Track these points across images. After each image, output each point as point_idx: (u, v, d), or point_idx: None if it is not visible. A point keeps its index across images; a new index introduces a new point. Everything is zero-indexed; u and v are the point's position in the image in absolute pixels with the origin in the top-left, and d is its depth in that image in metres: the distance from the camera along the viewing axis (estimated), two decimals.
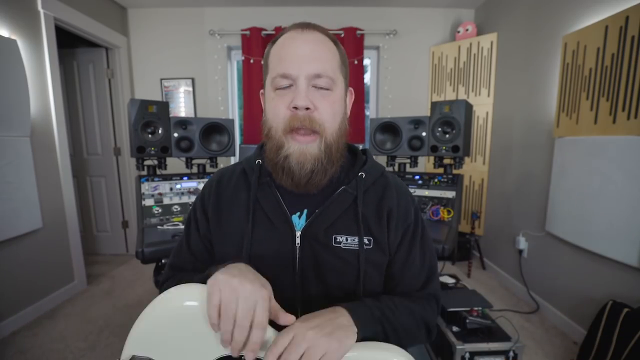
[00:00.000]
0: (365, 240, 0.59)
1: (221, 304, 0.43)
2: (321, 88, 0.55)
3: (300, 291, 0.59)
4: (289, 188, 0.59)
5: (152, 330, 0.47)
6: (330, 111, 0.56)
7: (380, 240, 0.60)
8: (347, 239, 0.59)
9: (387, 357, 0.47)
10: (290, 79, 0.54)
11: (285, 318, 0.47)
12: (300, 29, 0.56)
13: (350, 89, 0.64)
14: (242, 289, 0.44)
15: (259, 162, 0.64)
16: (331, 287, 0.59)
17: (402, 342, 0.54)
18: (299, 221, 0.60)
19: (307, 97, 0.53)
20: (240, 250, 0.59)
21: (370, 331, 0.51)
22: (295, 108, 0.53)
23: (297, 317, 0.56)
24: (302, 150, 0.54)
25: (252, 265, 0.55)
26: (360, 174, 0.62)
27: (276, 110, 0.55)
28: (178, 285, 0.49)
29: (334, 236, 0.59)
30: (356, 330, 0.48)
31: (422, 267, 0.65)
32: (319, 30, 0.57)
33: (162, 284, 0.64)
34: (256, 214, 0.61)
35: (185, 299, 0.47)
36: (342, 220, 0.60)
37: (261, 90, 0.64)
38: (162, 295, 0.48)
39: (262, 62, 0.62)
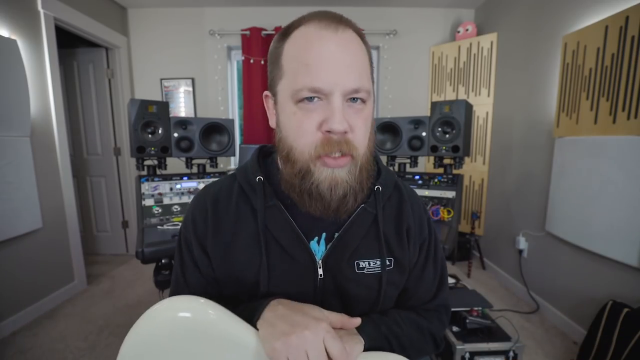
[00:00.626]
0: (387, 261, 0.54)
1: None
2: (355, 100, 0.45)
3: None
4: (318, 214, 0.49)
5: (144, 344, 0.45)
6: (365, 129, 0.47)
7: (401, 260, 0.56)
8: (369, 264, 0.53)
9: None
10: (322, 94, 0.43)
11: (353, 321, 0.47)
12: (331, 24, 0.44)
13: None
14: (304, 341, 0.40)
15: (260, 179, 0.53)
16: (352, 313, 0.53)
17: (409, 356, 0.51)
18: (318, 248, 0.53)
19: (344, 119, 0.43)
20: (256, 284, 0.51)
21: (376, 347, 0.50)
22: (329, 131, 0.44)
23: None
24: (334, 175, 0.46)
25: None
26: (377, 187, 0.55)
27: (302, 130, 0.45)
28: (170, 297, 0.47)
29: (356, 262, 0.53)
30: (363, 341, 0.47)
31: (434, 280, 0.62)
32: (352, 27, 0.46)
33: None
34: (267, 242, 0.51)
35: (178, 310, 0.45)
36: (364, 243, 0.53)
37: (266, 92, 0.53)
38: (153, 306, 0.45)
39: (270, 58, 0.49)
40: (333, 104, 0.43)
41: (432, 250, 0.61)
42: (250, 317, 0.46)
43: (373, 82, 0.50)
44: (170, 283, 0.60)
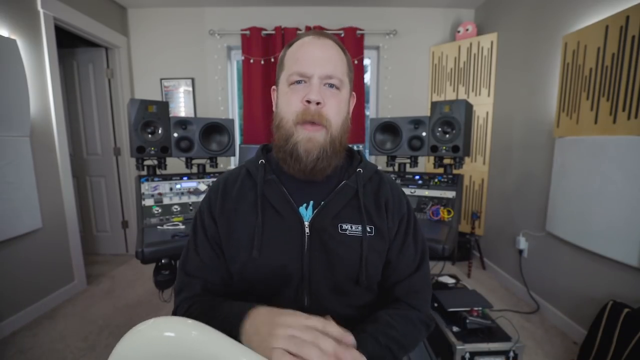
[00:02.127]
0: (368, 229, 0.64)
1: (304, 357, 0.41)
2: (331, 87, 0.61)
3: (307, 280, 0.61)
4: (296, 175, 0.63)
5: None
6: (337, 108, 0.62)
7: (381, 228, 0.66)
8: (351, 227, 0.64)
9: None
10: (306, 77, 0.60)
11: (348, 338, 0.47)
12: (317, 36, 0.64)
13: (353, 93, 0.71)
14: (304, 331, 0.43)
15: (262, 161, 0.68)
16: (337, 275, 0.63)
17: (408, 350, 0.61)
18: (306, 212, 0.64)
19: (319, 93, 0.59)
20: (251, 245, 0.61)
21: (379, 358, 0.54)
22: (308, 102, 0.59)
23: (304, 306, 0.62)
24: (310, 137, 0.59)
25: (262, 257, 0.61)
26: (358, 169, 0.69)
27: (289, 102, 0.61)
28: (155, 318, 0.47)
29: (339, 224, 0.64)
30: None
31: (415, 253, 0.70)
32: (332, 39, 0.65)
33: (179, 292, 0.65)
34: (264, 208, 0.64)
35: (163, 330, 0.44)
36: (345, 211, 0.65)
37: (273, 87, 0.71)
38: (138, 325, 0.45)
39: (278, 62, 0.69)
40: (312, 83, 0.60)
41: (412, 228, 0.71)
42: (230, 327, 0.49)
43: (351, 84, 0.68)
44: (181, 256, 0.70)
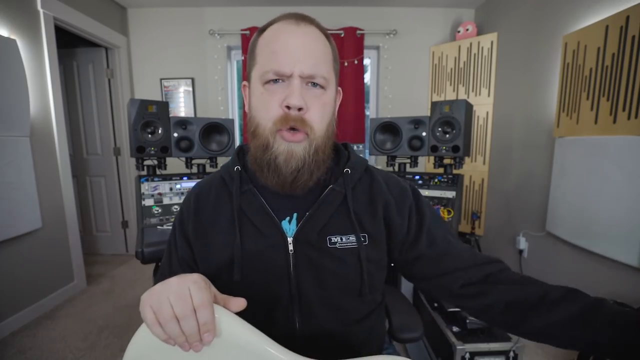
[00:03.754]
0: (361, 238, 0.57)
1: (155, 314, 0.39)
2: (315, 85, 0.52)
3: (297, 301, 0.56)
4: (275, 188, 0.56)
5: (149, 348, 0.44)
6: (321, 112, 0.53)
7: (375, 236, 0.58)
8: (341, 239, 0.56)
9: None
10: (284, 76, 0.51)
11: (236, 303, 0.44)
12: (295, 21, 0.52)
13: (339, 89, 0.61)
14: (168, 287, 0.41)
15: (237, 168, 0.60)
16: (332, 292, 0.57)
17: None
18: (289, 227, 0.57)
19: (301, 97, 0.50)
20: (231, 265, 0.55)
21: None
22: (288, 107, 0.50)
23: (296, 330, 0.56)
24: (290, 149, 0.52)
25: (244, 280, 0.54)
26: (346, 170, 0.60)
27: (266, 106, 0.52)
28: None
29: (327, 237, 0.56)
30: None
31: (446, 232, 0.62)
32: (314, 25, 0.54)
33: None
34: (242, 224, 0.57)
35: None
36: (334, 221, 0.57)
37: (244, 82, 0.60)
38: None
39: (248, 52, 0.57)
40: (292, 84, 0.50)
41: (427, 214, 0.62)
42: None
43: (337, 77, 0.58)
44: (157, 272, 0.66)
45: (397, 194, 0.61)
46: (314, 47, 0.52)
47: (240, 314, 0.48)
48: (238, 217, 0.56)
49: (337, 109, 0.60)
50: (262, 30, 0.55)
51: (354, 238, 0.56)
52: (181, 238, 0.62)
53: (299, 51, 0.50)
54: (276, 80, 0.51)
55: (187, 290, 0.40)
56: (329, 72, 0.54)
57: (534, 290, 0.53)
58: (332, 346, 0.56)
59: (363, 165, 0.63)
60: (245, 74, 0.58)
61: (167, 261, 0.65)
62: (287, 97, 0.50)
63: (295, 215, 0.57)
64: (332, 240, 0.56)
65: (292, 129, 0.51)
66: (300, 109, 0.50)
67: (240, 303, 0.45)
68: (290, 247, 0.55)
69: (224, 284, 0.55)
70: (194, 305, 0.40)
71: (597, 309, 0.47)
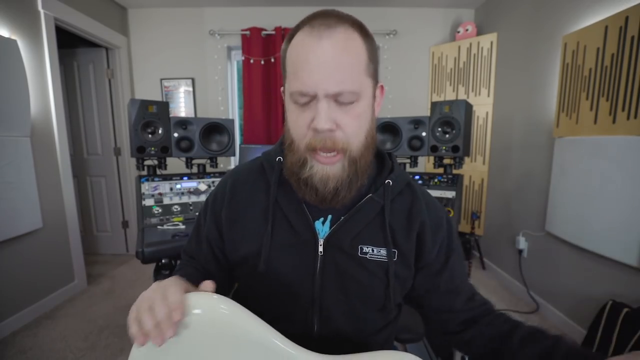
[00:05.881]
0: (391, 252, 0.56)
1: (137, 312, 0.43)
2: (343, 103, 0.49)
3: (319, 304, 0.55)
4: (313, 203, 0.55)
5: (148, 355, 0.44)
6: (356, 126, 0.50)
7: (406, 254, 0.57)
8: (373, 250, 0.55)
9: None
10: (309, 96, 0.48)
11: (205, 285, 0.47)
12: (319, 32, 0.47)
13: (381, 84, 0.56)
14: (150, 291, 0.44)
15: (279, 159, 0.58)
16: (354, 301, 0.56)
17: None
18: (322, 228, 0.56)
19: (328, 119, 0.47)
20: (258, 255, 0.55)
21: None
22: (316, 129, 0.48)
23: (314, 331, 0.56)
24: (325, 171, 0.50)
25: (268, 272, 0.55)
26: (387, 181, 0.57)
27: (297, 125, 0.51)
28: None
29: (360, 246, 0.55)
30: None
31: (465, 278, 0.64)
32: (341, 25, 0.48)
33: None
34: (276, 216, 0.57)
35: (189, 308, 0.44)
36: (368, 230, 0.56)
37: (282, 88, 0.58)
38: None
39: (281, 59, 0.55)
40: (318, 107, 0.48)
41: (454, 250, 0.62)
42: None
43: (376, 75, 0.53)
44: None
45: (435, 218, 0.60)
46: (338, 61, 0.47)
47: (257, 306, 0.48)
48: (273, 209, 0.56)
49: (378, 108, 0.57)
50: (291, 36, 0.51)
51: (384, 251, 0.55)
52: (211, 215, 0.62)
53: (322, 70, 0.47)
54: (306, 102, 0.49)
55: (161, 287, 0.44)
56: (360, 82, 0.49)
57: (505, 329, 0.56)
58: (348, 351, 0.55)
59: (406, 179, 0.61)
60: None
61: (195, 230, 0.67)
62: (315, 120, 0.48)
63: (330, 217, 0.57)
64: (364, 250, 0.55)
65: (325, 149, 0.49)
66: (330, 130, 0.48)
67: (207, 283, 0.47)
68: (320, 248, 0.55)
69: (248, 272, 0.57)
70: (164, 294, 0.43)
71: (556, 348, 0.50)
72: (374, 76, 0.53)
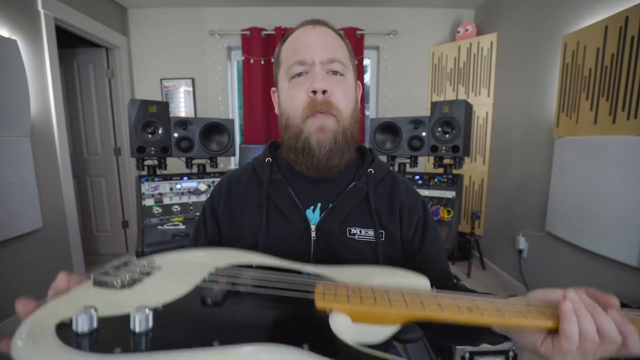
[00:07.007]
0: (379, 232, 0.61)
1: None
2: (335, 73, 0.57)
3: None
4: (309, 173, 0.61)
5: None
6: (345, 96, 0.58)
7: (393, 234, 0.62)
8: (361, 231, 0.60)
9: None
10: (306, 65, 0.56)
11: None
12: (312, 24, 0.60)
13: (359, 82, 0.65)
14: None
15: (269, 160, 0.66)
16: None
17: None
18: (313, 215, 0.62)
19: (324, 80, 0.55)
20: (254, 247, 0.59)
21: None
22: (314, 92, 0.55)
23: None
24: (321, 125, 0.56)
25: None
26: (369, 170, 0.64)
27: (294, 97, 0.57)
28: None
29: (348, 228, 0.60)
30: None
31: (443, 253, 0.68)
32: (329, 27, 0.61)
33: None
34: (269, 210, 0.62)
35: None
36: (355, 214, 0.61)
37: (272, 89, 0.67)
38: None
39: (274, 61, 0.64)
40: (314, 71, 0.56)
41: (430, 230, 0.66)
42: None
43: (355, 72, 0.63)
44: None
45: (412, 201, 0.66)
46: (330, 40, 0.59)
47: None
48: (266, 203, 0.61)
49: (359, 100, 0.65)
50: (284, 39, 0.62)
51: (372, 232, 0.60)
52: (211, 216, 0.67)
53: (317, 44, 0.57)
54: (300, 73, 0.57)
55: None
56: (346, 59, 0.60)
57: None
58: None
59: (386, 168, 0.68)
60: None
61: (194, 234, 0.70)
62: (312, 83, 0.55)
63: (319, 205, 0.62)
64: (352, 232, 0.60)
65: (321, 112, 0.56)
66: (324, 92, 0.55)
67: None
68: (313, 234, 0.60)
69: None
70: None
71: None
72: (354, 70, 0.63)
